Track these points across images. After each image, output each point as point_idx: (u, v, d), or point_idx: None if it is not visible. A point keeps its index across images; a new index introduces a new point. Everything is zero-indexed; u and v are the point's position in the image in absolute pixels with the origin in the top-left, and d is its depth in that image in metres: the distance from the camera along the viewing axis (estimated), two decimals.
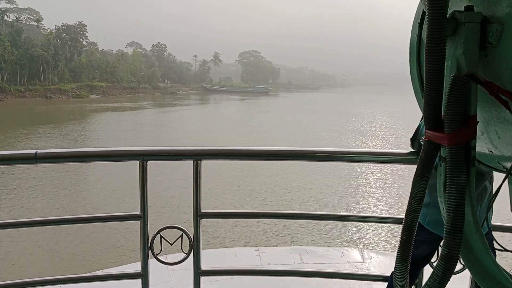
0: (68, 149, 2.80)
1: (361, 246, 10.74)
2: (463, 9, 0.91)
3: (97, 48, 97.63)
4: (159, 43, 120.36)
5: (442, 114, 0.94)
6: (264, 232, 11.61)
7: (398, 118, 51.60)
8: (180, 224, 2.45)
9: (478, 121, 0.92)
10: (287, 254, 4.14)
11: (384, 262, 4.09)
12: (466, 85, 0.89)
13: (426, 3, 0.89)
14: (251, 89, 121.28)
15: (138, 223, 2.36)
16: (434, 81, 0.92)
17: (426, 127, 0.99)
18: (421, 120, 2.41)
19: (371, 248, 10.61)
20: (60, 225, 7.74)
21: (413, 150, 2.48)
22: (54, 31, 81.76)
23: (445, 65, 0.92)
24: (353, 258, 4.11)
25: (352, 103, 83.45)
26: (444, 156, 0.95)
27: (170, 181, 16.67)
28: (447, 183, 0.91)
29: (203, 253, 2.47)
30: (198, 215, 2.38)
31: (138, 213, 2.33)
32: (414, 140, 2.47)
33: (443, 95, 0.93)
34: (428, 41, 0.90)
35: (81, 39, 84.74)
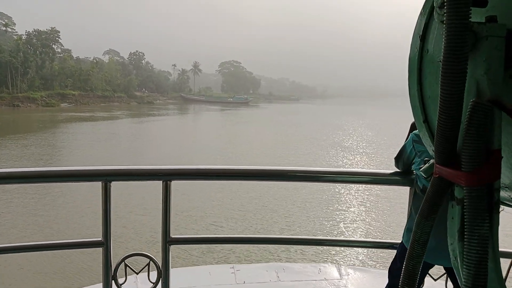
0: (22, 168, 2.66)
1: (339, 262, 10.28)
2: (484, 20, 0.79)
3: (72, 55, 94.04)
4: (137, 51, 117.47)
5: (458, 147, 0.82)
6: (239, 248, 10.86)
7: (378, 131, 50.62)
8: (147, 251, 2.29)
9: (502, 157, 0.79)
10: (263, 271, 3.99)
11: (361, 279, 3.98)
12: (489, 112, 0.76)
13: (443, 11, 0.78)
14: (231, 99, 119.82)
15: (100, 250, 2.18)
16: (450, 107, 0.79)
17: (437, 161, 0.86)
18: (406, 139, 2.38)
19: (348, 264, 10.38)
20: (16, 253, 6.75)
21: (397, 170, 2.47)
22: (24, 36, 78.01)
23: None
24: (331, 275, 3.98)
25: (332, 114, 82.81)
26: (460, 198, 0.83)
27: (138, 201, 14.87)
28: (465, 232, 0.79)
29: (174, 272, 2.33)
30: (167, 241, 2.23)
31: (100, 239, 2.17)
32: (398, 159, 2.43)
33: (461, 125, 0.81)
34: (446, 58, 0.77)
35: (53, 46, 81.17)
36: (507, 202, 0.95)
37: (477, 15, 0.80)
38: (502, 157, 0.79)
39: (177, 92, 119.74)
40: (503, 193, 0.90)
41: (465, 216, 0.79)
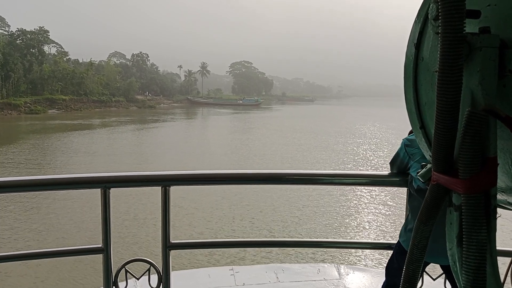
0: (20, 177, 2.60)
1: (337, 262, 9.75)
2: (478, 31, 0.80)
3: (69, 57, 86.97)
4: (140, 52, 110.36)
5: (455, 154, 0.83)
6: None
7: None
8: (149, 257, 2.29)
9: (499, 164, 0.81)
10: (263, 273, 3.95)
11: (361, 278, 3.93)
12: (484, 121, 0.77)
13: (438, 23, 0.79)
14: (241, 102, 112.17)
15: (100, 256, 2.20)
16: (447, 116, 0.80)
17: (435, 169, 0.88)
18: (401, 145, 2.40)
19: (347, 263, 10.03)
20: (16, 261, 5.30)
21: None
22: (6, 36, 70.27)
23: None
24: (330, 275, 3.91)
25: (350, 117, 74.21)
26: (458, 205, 0.84)
27: (138, 206, 14.46)
28: (463, 238, 0.80)
29: (174, 275, 2.37)
30: (167, 246, 2.27)
31: (100, 245, 2.20)
32: (393, 164, 2.49)
33: (457, 133, 0.81)
34: (442, 69, 0.78)
35: (43, 47, 73.79)
36: (504, 205, 0.95)
37: (470, 26, 0.80)
38: (498, 163, 0.79)
39: (184, 95, 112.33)
40: (499, 196, 0.89)
41: (463, 222, 0.80)
